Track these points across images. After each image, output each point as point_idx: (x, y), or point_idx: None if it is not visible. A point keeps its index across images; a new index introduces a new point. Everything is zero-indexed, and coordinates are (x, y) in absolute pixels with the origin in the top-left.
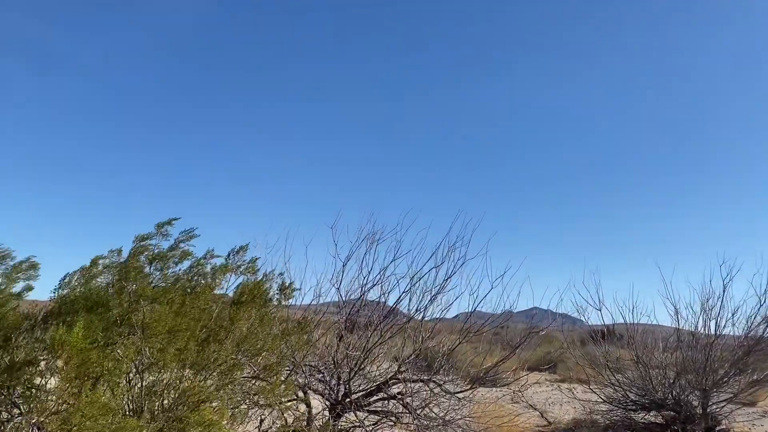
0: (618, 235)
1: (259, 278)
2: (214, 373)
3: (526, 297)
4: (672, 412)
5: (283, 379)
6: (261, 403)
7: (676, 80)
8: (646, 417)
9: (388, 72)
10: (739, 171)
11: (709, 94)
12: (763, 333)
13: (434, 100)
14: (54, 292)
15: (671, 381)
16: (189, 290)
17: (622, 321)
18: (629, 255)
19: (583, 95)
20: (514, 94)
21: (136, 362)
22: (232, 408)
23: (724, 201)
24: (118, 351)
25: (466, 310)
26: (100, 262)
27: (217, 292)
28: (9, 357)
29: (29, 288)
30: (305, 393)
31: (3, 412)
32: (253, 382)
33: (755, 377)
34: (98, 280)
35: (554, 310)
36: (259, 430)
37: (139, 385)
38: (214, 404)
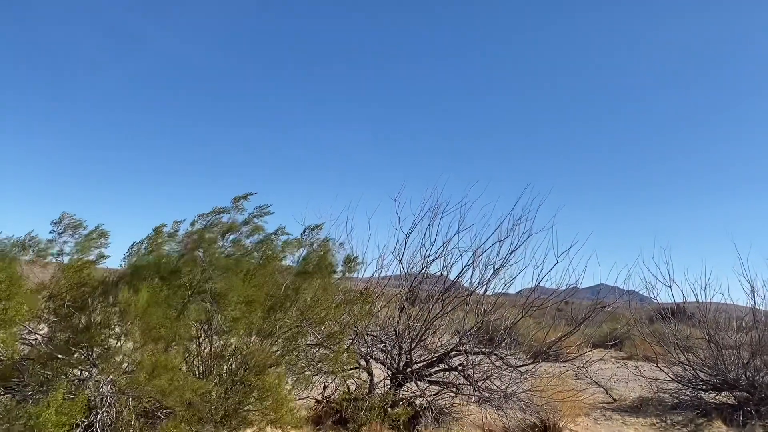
0: (691, 211)
1: (327, 251)
2: (279, 340)
3: (592, 273)
4: (745, 393)
5: (345, 347)
6: (324, 370)
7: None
8: (717, 397)
9: (455, 40)
10: None
11: None
12: None
13: (500, 69)
14: (124, 260)
15: (745, 361)
16: (259, 261)
17: (693, 299)
18: (702, 230)
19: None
20: (586, 63)
21: (205, 328)
22: (296, 374)
23: None
24: (189, 317)
25: (530, 285)
26: (164, 230)
27: (284, 263)
28: (86, 319)
29: (102, 255)
30: (367, 362)
31: (83, 371)
32: (317, 349)
33: None
34: (166, 248)
35: (621, 287)
36: (322, 396)
37: (208, 349)
38: (278, 369)
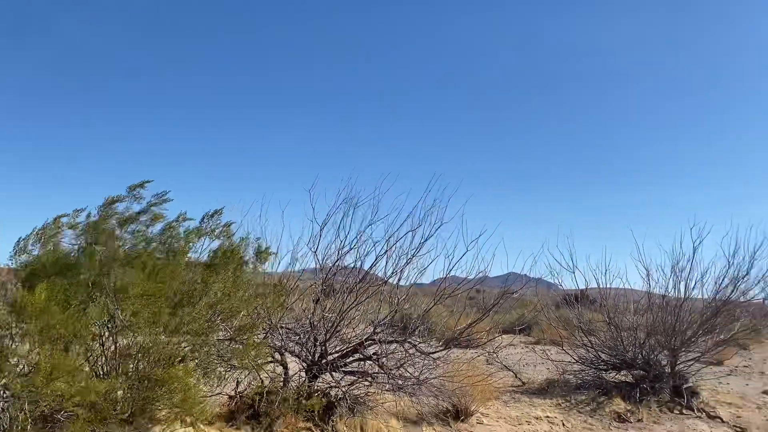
0: (592, 201)
1: (235, 242)
2: (188, 335)
3: (501, 261)
4: (641, 371)
5: (257, 341)
6: (236, 364)
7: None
8: (616, 376)
9: (370, 31)
10: (711, 139)
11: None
12: (731, 294)
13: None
14: (11, 258)
15: (641, 342)
16: (162, 254)
17: (595, 285)
18: (602, 219)
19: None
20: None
21: (109, 326)
22: (206, 369)
23: (696, 166)
24: (89, 315)
25: (441, 274)
26: (63, 220)
27: (191, 255)
28: None
29: None
30: (282, 355)
31: None
32: (228, 344)
33: (722, 337)
34: (63, 242)
35: (529, 275)
36: (235, 391)
37: (113, 348)
38: (188, 365)
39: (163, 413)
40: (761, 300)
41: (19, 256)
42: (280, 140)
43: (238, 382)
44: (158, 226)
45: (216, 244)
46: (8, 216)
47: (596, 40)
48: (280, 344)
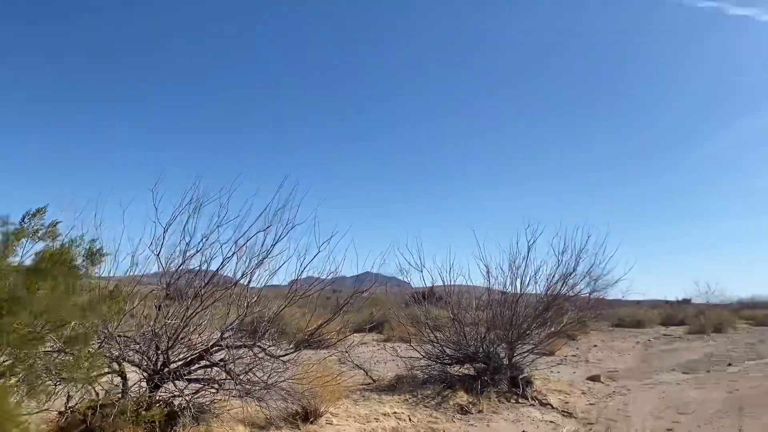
0: (438, 203)
1: (65, 244)
2: (8, 349)
3: (353, 262)
4: (482, 364)
5: (92, 351)
6: (65, 377)
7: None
8: (460, 370)
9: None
10: (544, 147)
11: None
12: (560, 290)
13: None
14: None
15: (482, 336)
16: None
17: (440, 282)
18: (448, 220)
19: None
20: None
21: None
22: (31, 384)
23: (532, 171)
24: None
25: (293, 276)
26: None
27: (11, 259)
28: None
29: None
30: (120, 365)
31: None
32: (57, 355)
33: (553, 329)
34: None
35: (384, 274)
36: (65, 406)
37: None
38: (10, 381)
39: None
40: (587, 294)
41: None
42: (122, 138)
43: (69, 396)
44: None
45: (40, 246)
46: None
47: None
48: (117, 354)
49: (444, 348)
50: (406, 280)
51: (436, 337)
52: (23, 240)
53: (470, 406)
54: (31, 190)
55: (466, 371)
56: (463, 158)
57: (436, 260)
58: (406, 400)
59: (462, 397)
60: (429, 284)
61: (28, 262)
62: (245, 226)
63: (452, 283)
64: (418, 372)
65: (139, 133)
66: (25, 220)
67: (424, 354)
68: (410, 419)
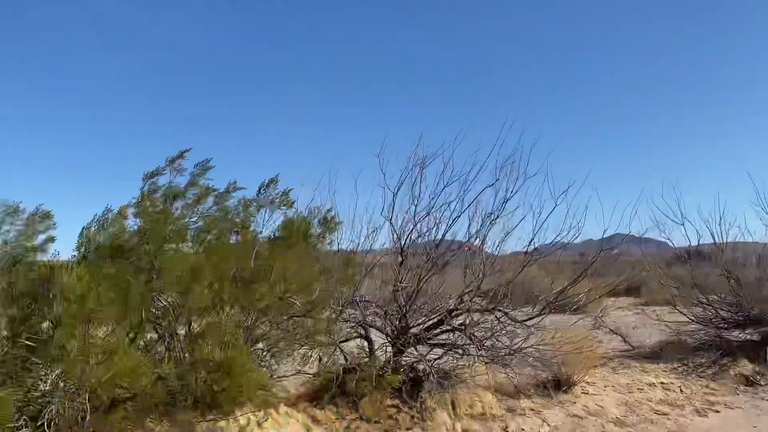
0: (699, 142)
1: (302, 213)
2: (259, 314)
3: (596, 219)
4: None
5: (333, 315)
6: (312, 341)
7: None
8: (740, 335)
9: None
10: None
11: None
12: None
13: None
14: (77, 248)
15: None
16: (217, 229)
17: (708, 238)
18: (713, 164)
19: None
20: None
21: (173, 311)
22: (280, 348)
23: None
24: (137, 298)
25: (529, 236)
26: (125, 209)
27: (255, 229)
28: (27, 310)
29: (51, 239)
30: (365, 329)
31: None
32: (301, 320)
33: None
34: (114, 227)
35: (636, 235)
36: (317, 367)
37: (176, 331)
38: (258, 345)
39: (226, 398)
40: None
41: (81, 245)
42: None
43: (320, 359)
44: (210, 201)
45: (278, 215)
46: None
47: None
48: (361, 318)
49: (718, 310)
50: (664, 238)
51: (707, 298)
52: (262, 209)
53: (757, 376)
54: (268, 167)
55: (749, 336)
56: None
57: (700, 211)
58: (675, 369)
59: (745, 367)
60: (693, 240)
61: (267, 231)
62: (475, 183)
63: (723, 235)
64: (687, 337)
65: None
66: (261, 190)
67: (693, 318)
68: (681, 390)
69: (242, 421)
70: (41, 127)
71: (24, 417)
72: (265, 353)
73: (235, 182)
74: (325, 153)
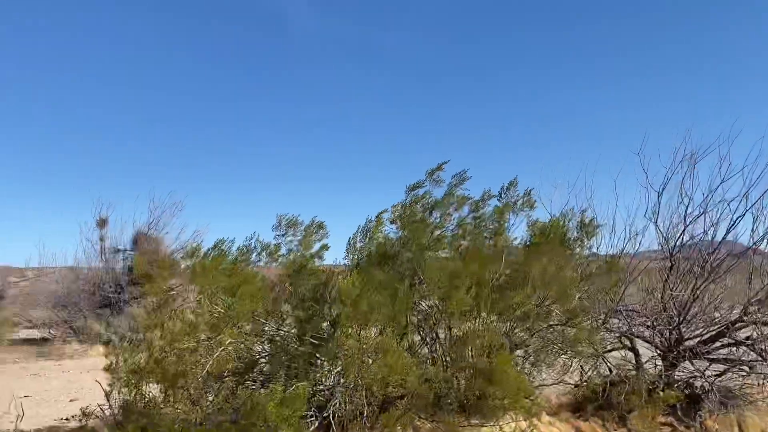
0: None
1: (557, 217)
2: (517, 322)
3: None
4: None
5: (595, 325)
6: (572, 351)
7: None
8: None
9: None
10: None
11: None
12: None
13: None
14: (347, 254)
15: None
16: (472, 236)
17: None
18: None
19: None
20: None
21: (437, 314)
22: (539, 357)
23: None
24: (402, 302)
25: None
26: (384, 216)
27: (506, 235)
28: (311, 311)
29: (325, 247)
30: (630, 340)
31: (313, 363)
32: (562, 329)
33: None
34: (380, 235)
35: None
36: (580, 379)
37: (439, 335)
38: (516, 352)
39: (491, 404)
40: None
41: (350, 253)
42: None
43: (582, 369)
44: (465, 209)
45: (521, 218)
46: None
47: None
48: (626, 328)
49: None
50: None
51: None
52: (508, 214)
53: None
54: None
55: None
56: None
57: None
58: None
59: None
60: None
61: (515, 235)
62: (757, 177)
63: None
64: None
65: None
66: (502, 194)
67: None
68: None
69: (506, 429)
70: (313, 144)
71: (313, 408)
72: (524, 361)
73: (490, 190)
74: (577, 153)
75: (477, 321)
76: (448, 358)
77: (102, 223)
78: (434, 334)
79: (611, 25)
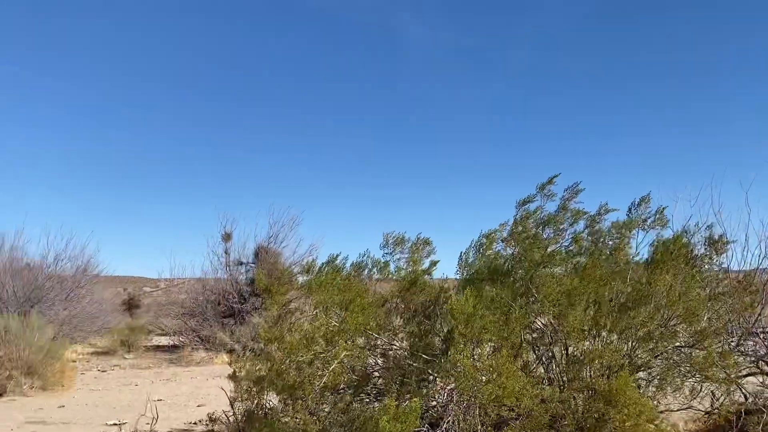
0: None
1: (676, 232)
2: (639, 342)
3: None
4: None
5: (729, 347)
6: (708, 374)
7: None
8: None
9: None
10: None
11: None
12: None
13: None
14: (458, 270)
15: None
16: (590, 252)
17: None
18: None
19: None
20: None
21: (550, 333)
22: (663, 380)
23: None
24: (513, 319)
25: None
26: (495, 235)
27: (627, 251)
28: (423, 327)
29: (434, 263)
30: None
31: (425, 379)
32: (689, 351)
33: None
34: (490, 252)
35: None
36: (711, 403)
37: (556, 354)
38: (638, 374)
39: (615, 427)
40: None
41: (461, 268)
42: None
43: (713, 395)
44: (580, 224)
45: (651, 236)
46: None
47: None
48: (764, 352)
49: None
50: None
51: None
52: (634, 230)
53: None
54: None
55: None
56: None
57: None
58: None
59: None
60: None
61: (641, 253)
62: None
63: None
64: None
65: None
66: (631, 210)
67: None
68: None
69: None
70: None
71: (426, 424)
72: (647, 384)
73: (606, 204)
74: (701, 163)
75: (595, 340)
76: (564, 378)
77: (227, 237)
78: (550, 353)
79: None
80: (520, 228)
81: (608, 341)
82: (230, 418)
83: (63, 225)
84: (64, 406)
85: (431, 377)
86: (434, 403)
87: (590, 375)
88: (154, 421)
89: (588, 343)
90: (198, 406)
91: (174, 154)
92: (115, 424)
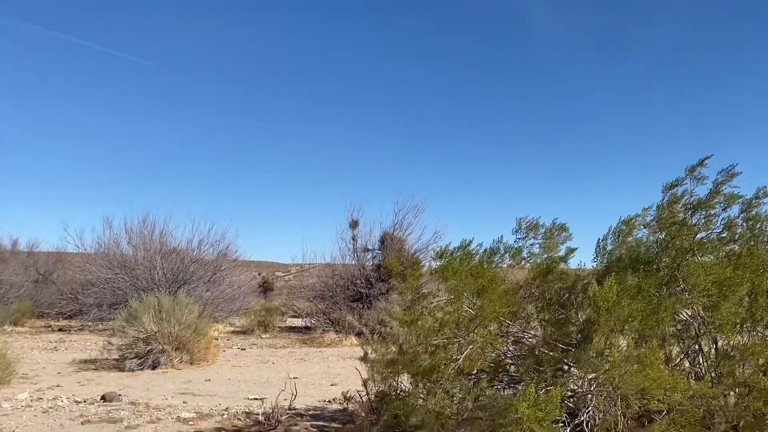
0: None
1: None
2: None
3: None
4: None
5: None
6: None
7: None
8: None
9: None
10: None
11: None
12: None
13: None
14: (594, 257)
15: None
16: (745, 239)
17: None
18: None
19: None
20: None
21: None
22: None
23: None
24: (665, 310)
25: None
26: (636, 221)
27: None
28: (560, 315)
29: (570, 249)
30: None
31: (562, 368)
32: None
33: None
34: (631, 238)
35: None
36: None
37: (709, 348)
38: None
39: None
40: None
41: (599, 255)
42: None
43: None
44: (734, 208)
45: None
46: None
47: None
48: None
49: None
50: None
51: None
52: None
53: None
54: None
55: None
56: None
57: None
58: None
59: None
60: None
61: None
62: None
63: None
64: None
65: None
66: None
67: None
68: None
69: None
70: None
71: (564, 413)
72: None
73: (765, 187)
74: None
75: (751, 334)
76: (713, 374)
77: (354, 224)
78: (697, 346)
79: None
80: (667, 213)
81: (766, 336)
82: (364, 398)
83: (206, 212)
84: (210, 380)
85: (566, 366)
86: (569, 393)
87: (744, 371)
88: (294, 397)
89: (740, 337)
90: (331, 385)
91: (305, 146)
92: (256, 399)
